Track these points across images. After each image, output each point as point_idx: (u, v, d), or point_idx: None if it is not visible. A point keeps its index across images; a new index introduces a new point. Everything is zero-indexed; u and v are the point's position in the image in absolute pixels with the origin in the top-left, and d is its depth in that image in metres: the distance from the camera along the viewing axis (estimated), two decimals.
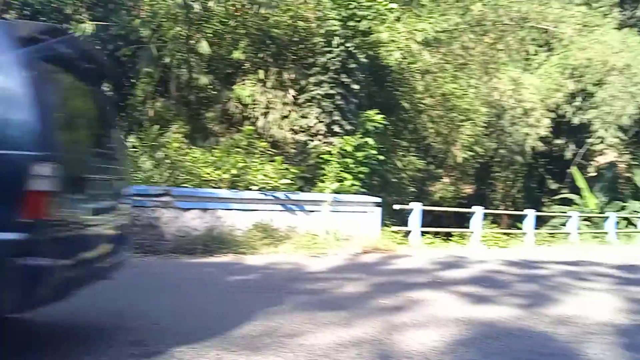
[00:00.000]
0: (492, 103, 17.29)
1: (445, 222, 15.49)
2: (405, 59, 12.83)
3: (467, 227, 13.26)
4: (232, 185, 9.79)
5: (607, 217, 17.44)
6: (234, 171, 9.81)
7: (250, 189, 9.85)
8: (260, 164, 10.39)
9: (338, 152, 11.52)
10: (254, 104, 12.57)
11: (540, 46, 19.81)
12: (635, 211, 19.85)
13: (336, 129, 12.24)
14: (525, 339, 4.40)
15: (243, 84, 12.66)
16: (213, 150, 10.69)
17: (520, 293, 6.42)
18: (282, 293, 5.71)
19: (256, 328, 4.20)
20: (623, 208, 20.47)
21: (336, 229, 10.07)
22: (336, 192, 10.72)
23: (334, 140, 12.00)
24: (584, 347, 4.21)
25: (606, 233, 17.05)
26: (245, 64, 13.03)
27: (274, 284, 6.40)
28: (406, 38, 12.02)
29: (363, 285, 6.40)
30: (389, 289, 6.21)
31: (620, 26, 21.30)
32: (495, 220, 20.68)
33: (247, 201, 9.55)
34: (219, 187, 9.66)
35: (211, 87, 13.21)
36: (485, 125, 16.65)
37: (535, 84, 18.76)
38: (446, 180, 20.42)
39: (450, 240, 12.52)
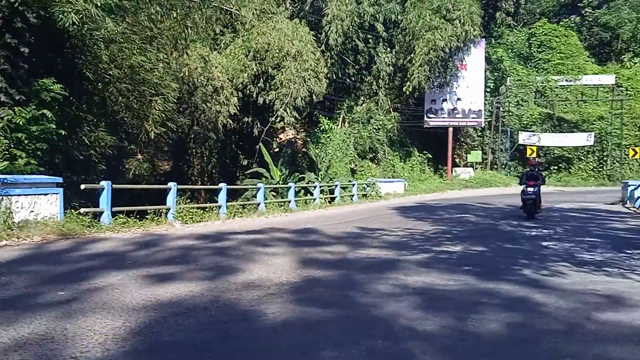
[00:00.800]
0: (183, 79, 17.29)
1: (143, 200, 14.93)
2: (86, 24, 11.61)
3: (165, 204, 13.03)
4: None
5: (289, 188, 19.57)
6: None
7: None
8: None
9: (6, 125, 9.81)
10: None
11: (226, 27, 20.71)
12: (311, 181, 22.86)
13: (2, 97, 10.39)
14: (213, 310, 4.47)
15: None
16: None
17: (210, 266, 6.56)
18: None
19: None
20: (302, 179, 23.38)
21: (7, 214, 8.54)
22: (6, 171, 9.10)
23: (0, 111, 10.18)
24: (264, 307, 4.53)
25: (289, 201, 19.16)
26: None
27: None
28: (84, 0, 10.85)
29: (38, 278, 5.54)
30: (70, 278, 5.53)
31: (292, 16, 23.99)
32: (194, 195, 21.04)
33: None
34: None
35: None
36: (176, 101, 16.56)
37: (224, 64, 19.57)
38: (140, 157, 19.71)
39: (145, 219, 12.05)
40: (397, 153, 34.65)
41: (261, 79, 22.05)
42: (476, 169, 38.82)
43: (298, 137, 32.23)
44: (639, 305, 4.77)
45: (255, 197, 17.95)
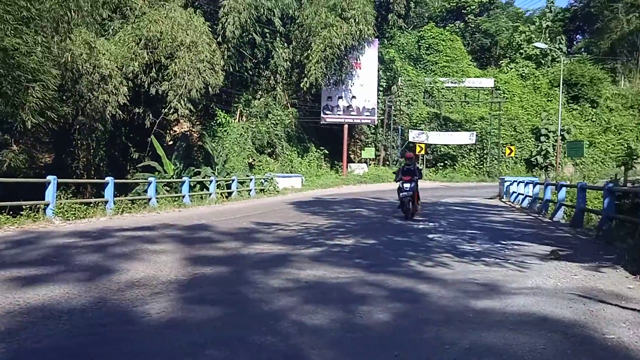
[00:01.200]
0: (66, 65, 16.01)
1: (19, 195, 13.61)
2: None
3: (44, 199, 12.00)
4: None
5: (183, 182, 18.92)
6: None
7: None
8: None
9: None
10: None
11: (114, 12, 19.51)
12: (207, 175, 22.27)
13: None
14: (91, 312, 4.16)
15: None
16: None
17: (91, 265, 6.14)
18: None
19: None
20: (197, 173, 22.70)
21: None
22: None
23: None
24: (148, 307, 4.30)
25: (183, 196, 18.53)
26: None
27: None
28: None
29: None
30: None
31: (186, 5, 23.16)
32: (79, 190, 19.62)
33: None
34: None
35: None
36: (58, 89, 15.29)
37: (112, 51, 18.41)
38: (16, 148, 17.99)
39: (20, 215, 11.00)
40: (295, 148, 34.91)
41: (153, 69, 21.00)
42: (370, 165, 40.21)
43: (194, 130, 31.29)
44: (511, 293, 5.15)
45: (147, 192, 17.15)
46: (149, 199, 16.62)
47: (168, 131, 28.13)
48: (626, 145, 40.35)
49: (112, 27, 20.48)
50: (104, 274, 5.59)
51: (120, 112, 19.60)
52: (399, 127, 41.76)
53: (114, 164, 25.14)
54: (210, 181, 21.03)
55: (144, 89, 21.45)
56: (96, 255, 6.81)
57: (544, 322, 4.08)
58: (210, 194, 20.55)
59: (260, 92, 33.55)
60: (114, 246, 7.65)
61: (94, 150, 23.80)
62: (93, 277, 5.42)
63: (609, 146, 42.42)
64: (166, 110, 21.69)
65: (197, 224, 11.31)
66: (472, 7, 53.96)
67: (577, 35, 59.42)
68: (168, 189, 20.18)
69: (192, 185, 20.89)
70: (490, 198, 24.54)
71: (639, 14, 46.39)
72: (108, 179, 14.63)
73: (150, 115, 23.02)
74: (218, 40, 25.25)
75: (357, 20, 31.27)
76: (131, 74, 19.76)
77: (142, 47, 19.90)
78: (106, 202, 14.37)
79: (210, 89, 22.29)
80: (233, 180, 23.08)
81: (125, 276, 5.51)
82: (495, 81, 44.28)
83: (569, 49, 52.96)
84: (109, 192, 14.40)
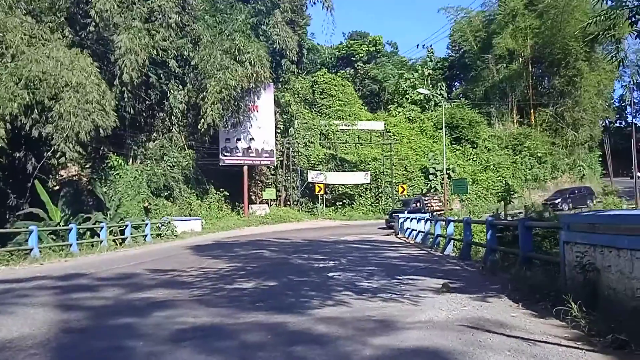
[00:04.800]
0: None
1: None
2: None
3: None
4: None
5: (70, 230, 17.63)
6: None
7: None
8: None
9: None
10: None
11: None
12: (97, 221, 20.92)
13: None
14: None
15: None
16: None
17: None
18: None
19: None
20: (88, 219, 21.25)
21: None
22: None
23: None
24: None
25: (70, 245, 17.23)
26: None
27: None
28: None
29: None
30: None
31: (72, 45, 22.16)
32: None
33: None
34: None
35: None
36: None
37: None
38: None
39: None
40: (193, 191, 34.02)
41: (36, 110, 19.60)
42: (271, 205, 40.16)
43: (82, 174, 29.44)
44: (406, 328, 5.32)
45: (28, 242, 15.74)
46: (31, 250, 15.24)
47: (53, 175, 26.21)
48: (504, 182, 44.13)
49: None
50: None
51: None
52: (298, 168, 42.39)
53: None
54: (101, 227, 19.79)
55: (25, 131, 19.92)
56: None
57: (436, 356, 4.24)
58: (101, 241, 19.31)
59: (155, 134, 32.54)
60: None
61: None
62: None
63: (489, 183, 46.01)
64: (50, 153, 20.23)
65: (72, 274, 10.49)
66: (360, 55, 57.11)
67: (456, 82, 64.73)
68: (54, 237, 18.69)
69: (81, 232, 19.51)
70: (387, 235, 25.45)
71: (506, 65, 51.76)
72: None
73: (33, 159, 21.39)
74: (114, 82, 24.34)
75: (252, 63, 31.71)
76: (9, 115, 18.33)
77: (22, 87, 18.59)
78: None
79: (101, 131, 21.22)
80: (127, 226, 21.92)
81: None
82: (385, 124, 46.64)
83: (449, 95, 57.37)
84: None
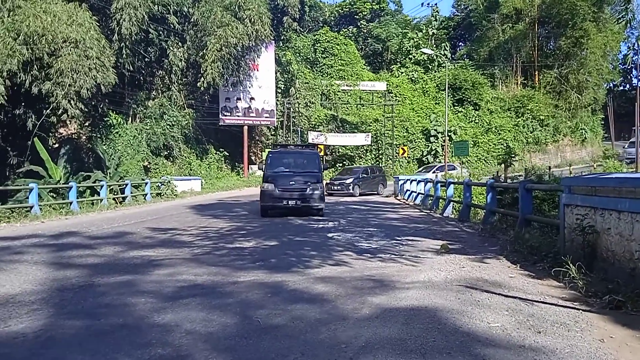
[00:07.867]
0: None
1: None
2: None
3: None
4: None
5: (70, 188, 17.66)
6: None
7: None
8: None
9: None
10: None
11: None
12: (97, 180, 20.95)
13: None
14: None
15: None
16: None
17: None
18: None
19: None
20: (87, 178, 21.28)
21: None
22: None
23: None
24: (24, 327, 3.93)
25: (70, 203, 17.29)
26: None
27: None
28: None
29: None
30: None
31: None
32: None
33: None
34: None
35: None
36: None
37: None
38: None
39: None
40: (193, 150, 33.95)
41: (35, 66, 19.33)
42: None
43: (82, 132, 29.29)
44: (405, 287, 5.36)
45: (28, 200, 15.79)
46: (31, 207, 15.30)
47: (53, 133, 26.09)
48: (505, 145, 43.88)
49: None
50: None
51: None
52: (299, 128, 42.14)
53: None
54: (101, 186, 19.83)
55: (24, 88, 19.71)
56: None
57: (435, 315, 4.28)
58: (101, 200, 19.38)
59: (155, 93, 32.21)
60: None
61: None
62: None
63: (490, 145, 45.80)
64: (50, 111, 20.07)
65: (67, 232, 10.57)
66: (363, 13, 55.78)
67: (460, 43, 63.50)
68: (55, 195, 18.74)
69: (81, 190, 19.57)
70: (387, 196, 25.54)
71: (512, 25, 50.70)
72: None
73: (33, 116, 21.23)
74: (113, 37, 23.87)
75: (252, 20, 31.08)
76: (8, 72, 18.09)
77: (21, 42, 18.27)
78: None
79: (102, 88, 20.98)
80: (127, 185, 21.97)
81: None
82: (387, 85, 46.08)
83: (452, 56, 56.42)
84: None
